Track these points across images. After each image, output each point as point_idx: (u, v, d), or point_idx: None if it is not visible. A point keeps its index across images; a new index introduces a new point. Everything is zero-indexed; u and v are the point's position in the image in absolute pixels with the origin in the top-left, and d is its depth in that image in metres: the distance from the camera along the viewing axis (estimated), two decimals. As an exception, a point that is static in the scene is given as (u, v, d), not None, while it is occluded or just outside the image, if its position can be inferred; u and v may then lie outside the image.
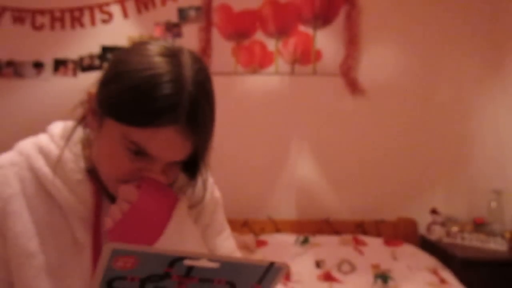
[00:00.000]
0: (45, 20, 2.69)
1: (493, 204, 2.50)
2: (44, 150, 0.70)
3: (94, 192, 0.69)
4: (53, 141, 0.71)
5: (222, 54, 2.68)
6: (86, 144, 0.71)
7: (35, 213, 0.68)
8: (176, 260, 0.48)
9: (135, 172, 0.64)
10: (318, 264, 2.22)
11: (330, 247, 2.37)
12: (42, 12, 2.69)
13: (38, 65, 2.68)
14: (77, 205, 0.68)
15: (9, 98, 2.68)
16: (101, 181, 0.69)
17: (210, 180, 0.83)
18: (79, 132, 0.72)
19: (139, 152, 0.63)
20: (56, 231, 0.68)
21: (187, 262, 0.48)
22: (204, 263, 0.48)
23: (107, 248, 0.46)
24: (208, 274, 0.49)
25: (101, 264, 0.47)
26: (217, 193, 0.85)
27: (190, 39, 2.64)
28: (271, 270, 0.51)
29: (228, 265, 0.49)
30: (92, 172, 0.70)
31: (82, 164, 0.70)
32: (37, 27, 2.69)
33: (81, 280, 0.68)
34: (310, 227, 2.57)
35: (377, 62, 2.70)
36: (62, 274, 0.67)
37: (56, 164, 0.68)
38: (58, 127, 0.73)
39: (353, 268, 2.19)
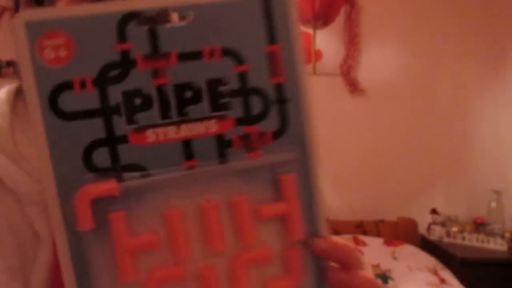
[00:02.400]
0: (45, 20, 2.70)
1: (493, 204, 2.50)
2: None
3: None
4: None
5: (222, 54, 2.68)
6: None
7: None
8: (126, 22, 0.28)
9: None
10: (318, 264, 2.22)
11: (330, 247, 2.36)
12: (42, 12, 2.69)
13: (38, 65, 2.69)
14: (31, 187, 0.52)
15: (9, 98, 2.68)
16: None
17: None
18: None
19: None
20: (12, 223, 0.53)
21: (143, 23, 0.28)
22: (173, 22, 0.28)
23: (19, 22, 0.28)
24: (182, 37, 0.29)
25: (25, 65, 0.28)
26: None
27: (190, 39, 2.64)
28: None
29: (208, 16, 0.29)
30: None
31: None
32: (37, 27, 2.69)
33: (43, 278, 0.53)
34: (310, 227, 2.57)
35: (377, 62, 2.70)
36: (27, 272, 0.53)
37: None
38: (3, 91, 0.59)
39: (353, 268, 2.18)
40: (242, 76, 0.30)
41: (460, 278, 2.07)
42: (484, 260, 2.25)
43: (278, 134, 0.31)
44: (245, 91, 0.30)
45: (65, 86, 0.28)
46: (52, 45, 0.28)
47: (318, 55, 2.70)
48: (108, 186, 0.28)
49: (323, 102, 2.70)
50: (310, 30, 2.70)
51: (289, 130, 0.32)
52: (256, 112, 0.30)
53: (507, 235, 2.35)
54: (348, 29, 2.66)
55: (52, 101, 0.28)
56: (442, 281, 2.03)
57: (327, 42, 2.69)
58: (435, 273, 2.12)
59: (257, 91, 0.30)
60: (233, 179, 0.30)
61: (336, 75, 2.68)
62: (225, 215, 0.29)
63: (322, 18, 2.70)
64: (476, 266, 2.22)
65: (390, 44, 2.71)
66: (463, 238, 2.41)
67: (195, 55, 0.29)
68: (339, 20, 2.69)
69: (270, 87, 0.30)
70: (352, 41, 2.66)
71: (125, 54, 0.28)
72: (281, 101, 0.31)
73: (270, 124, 0.30)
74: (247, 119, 0.30)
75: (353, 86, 2.67)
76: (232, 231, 0.29)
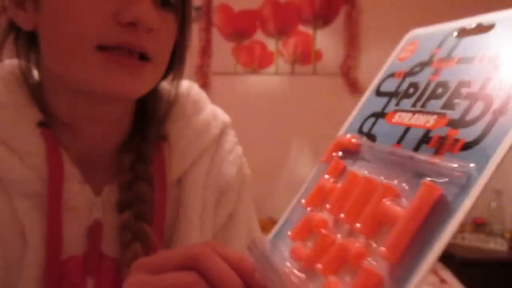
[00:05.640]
0: (45, 20, 2.69)
1: (493, 204, 2.50)
2: None
3: (48, 152, 0.43)
4: None
5: (222, 54, 2.68)
6: (30, 81, 0.48)
7: None
8: (450, 34, 0.35)
9: (114, 22, 0.42)
10: (318, 264, 2.22)
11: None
12: (42, 12, 2.69)
13: (38, 65, 2.69)
14: (23, 173, 0.42)
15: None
16: (59, 135, 0.46)
17: (238, 152, 0.66)
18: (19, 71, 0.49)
19: None
20: None
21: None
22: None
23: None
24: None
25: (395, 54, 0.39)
26: (247, 170, 0.64)
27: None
28: None
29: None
30: (44, 124, 0.45)
31: (28, 111, 0.45)
32: (37, 27, 2.69)
33: (33, 278, 0.43)
34: (310, 227, 2.57)
35: (377, 62, 2.69)
36: (12, 276, 0.43)
37: None
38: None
39: (353, 268, 2.18)
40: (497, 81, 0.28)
41: (460, 278, 2.07)
42: (484, 260, 2.25)
43: (468, 146, 0.26)
44: (479, 96, 0.27)
45: (392, 74, 0.38)
46: (407, 49, 0.40)
47: (318, 55, 2.70)
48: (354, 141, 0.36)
49: (323, 102, 2.70)
50: (310, 30, 2.70)
51: (480, 146, 0.26)
52: (470, 117, 0.27)
53: (507, 235, 2.35)
54: (348, 29, 2.66)
55: (379, 84, 0.39)
56: (443, 281, 2.03)
57: (327, 42, 2.69)
58: (435, 273, 2.11)
59: (486, 97, 0.27)
60: (404, 169, 0.28)
61: (336, 75, 2.68)
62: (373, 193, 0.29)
63: (322, 18, 2.70)
64: (476, 266, 2.22)
65: (390, 44, 2.70)
66: (463, 238, 2.41)
67: (469, 60, 0.31)
68: (339, 20, 2.69)
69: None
70: (352, 41, 2.66)
71: (430, 56, 0.35)
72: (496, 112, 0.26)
73: (469, 133, 0.26)
74: (457, 122, 0.27)
75: (353, 86, 2.67)
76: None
